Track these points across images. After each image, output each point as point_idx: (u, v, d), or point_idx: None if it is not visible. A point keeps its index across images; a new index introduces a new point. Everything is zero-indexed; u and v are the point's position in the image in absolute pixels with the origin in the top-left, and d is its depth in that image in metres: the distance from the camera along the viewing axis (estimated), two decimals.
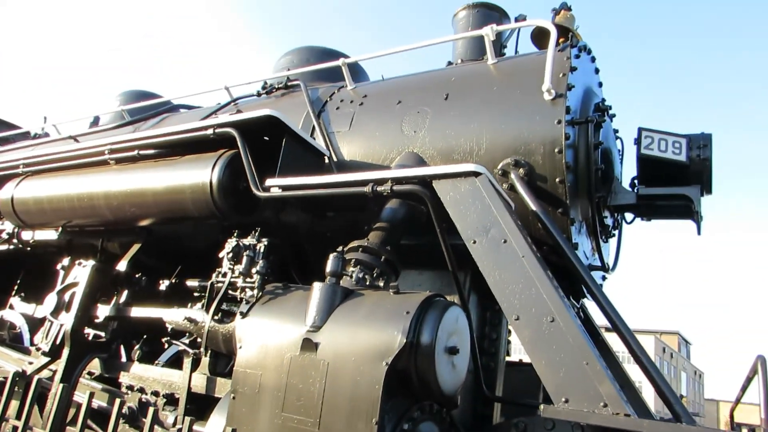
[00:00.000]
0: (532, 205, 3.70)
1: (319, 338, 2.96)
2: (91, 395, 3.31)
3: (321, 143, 4.57)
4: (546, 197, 3.91)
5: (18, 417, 3.76)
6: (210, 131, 4.18)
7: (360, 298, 3.10)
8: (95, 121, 7.00)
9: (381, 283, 3.36)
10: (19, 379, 4.35)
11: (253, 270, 3.55)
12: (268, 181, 3.81)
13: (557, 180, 3.86)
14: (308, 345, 2.95)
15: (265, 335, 3.17)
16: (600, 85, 4.87)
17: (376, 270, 3.43)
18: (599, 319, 4.68)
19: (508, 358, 4.49)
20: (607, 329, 4.17)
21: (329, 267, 3.24)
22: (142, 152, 4.63)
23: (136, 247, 4.91)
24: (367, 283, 3.34)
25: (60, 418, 3.71)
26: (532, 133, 3.93)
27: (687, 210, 4.28)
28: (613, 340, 4.55)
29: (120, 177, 4.63)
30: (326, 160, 4.46)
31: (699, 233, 4.44)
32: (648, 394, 5.85)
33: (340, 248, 3.39)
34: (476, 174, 3.30)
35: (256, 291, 3.45)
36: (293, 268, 4.63)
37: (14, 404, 4.31)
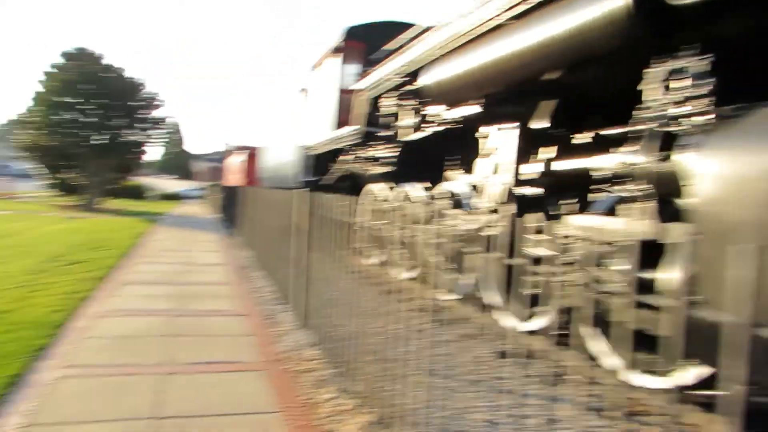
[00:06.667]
0: None
1: None
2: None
3: None
4: None
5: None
6: None
7: None
8: None
9: None
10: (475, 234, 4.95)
11: (695, 93, 2.95)
12: None
13: None
14: None
15: (726, 165, 2.60)
16: None
17: None
18: None
19: None
20: None
21: None
22: None
23: (552, 104, 4.79)
24: None
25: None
26: None
27: None
28: None
29: (524, 33, 4.48)
30: None
31: None
32: None
33: None
34: None
35: (703, 117, 2.86)
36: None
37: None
